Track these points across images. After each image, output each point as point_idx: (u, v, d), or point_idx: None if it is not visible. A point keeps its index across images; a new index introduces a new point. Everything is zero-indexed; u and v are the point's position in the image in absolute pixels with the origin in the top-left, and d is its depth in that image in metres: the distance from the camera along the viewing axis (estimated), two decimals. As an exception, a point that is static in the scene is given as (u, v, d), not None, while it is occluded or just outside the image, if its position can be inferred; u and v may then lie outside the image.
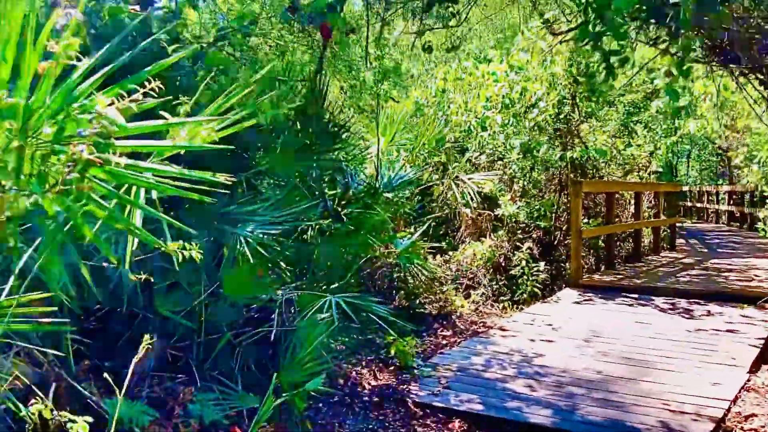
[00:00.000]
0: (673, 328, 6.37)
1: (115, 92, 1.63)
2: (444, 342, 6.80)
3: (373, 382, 5.17)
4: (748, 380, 4.92)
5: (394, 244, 7.52)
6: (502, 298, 8.71)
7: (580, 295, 8.10)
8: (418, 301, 7.83)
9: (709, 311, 7.04)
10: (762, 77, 4.54)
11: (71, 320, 3.53)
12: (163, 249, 1.76)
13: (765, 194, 12.64)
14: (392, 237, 7.32)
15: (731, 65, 4.76)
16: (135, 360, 2.02)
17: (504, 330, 6.55)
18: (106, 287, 3.69)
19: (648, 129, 11.30)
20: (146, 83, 1.68)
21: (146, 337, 2.01)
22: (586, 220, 9.38)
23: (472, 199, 9.18)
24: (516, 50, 9.40)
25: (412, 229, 8.41)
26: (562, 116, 9.27)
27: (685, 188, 26.18)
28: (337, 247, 5.55)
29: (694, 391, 4.59)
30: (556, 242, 9.50)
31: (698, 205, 26.84)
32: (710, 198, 27.17)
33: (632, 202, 11.87)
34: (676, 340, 5.94)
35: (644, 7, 3.98)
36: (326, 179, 6.14)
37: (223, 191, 3.99)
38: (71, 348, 3.68)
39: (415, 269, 7.66)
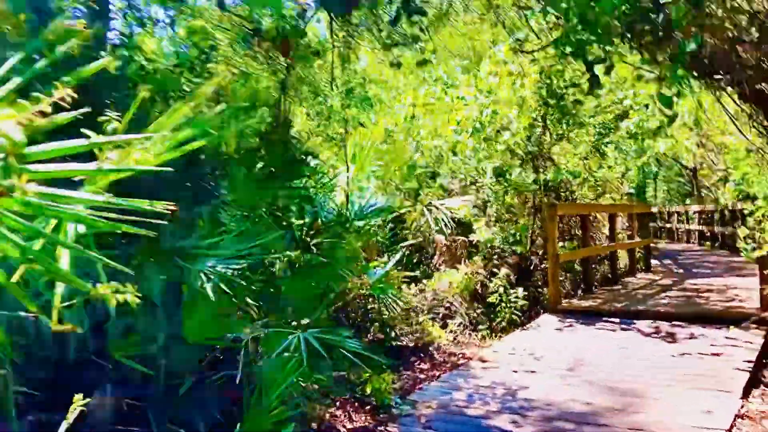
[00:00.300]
0: (659, 353, 6.16)
1: (24, 108, 1.33)
2: (422, 376, 6.50)
3: (349, 425, 4.85)
4: (742, 407, 4.71)
5: (367, 274, 7.24)
6: (480, 326, 8.45)
7: (560, 320, 7.88)
8: (393, 334, 7.54)
9: (692, 334, 6.86)
10: (741, 91, 4.43)
11: (14, 371, 3.19)
12: (90, 293, 1.46)
13: (743, 211, 12.65)
14: (365, 267, 7.04)
15: (711, 78, 4.64)
16: (65, 424, 1.71)
17: (484, 361, 6.28)
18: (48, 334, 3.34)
19: (619, 150, 11.26)
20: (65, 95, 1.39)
21: (77, 397, 1.70)
22: (561, 244, 9.22)
23: (446, 225, 8.97)
24: (485, 74, 9.29)
25: (385, 258, 8.14)
26: (533, 139, 9.15)
27: (654, 209, 26.38)
28: (307, 280, 5.25)
29: (688, 421, 4.36)
30: (532, 267, 9.30)
31: (668, 225, 27.10)
32: (680, 218, 27.44)
33: (606, 224, 11.79)
34: (662, 366, 5.73)
35: (629, 8, 3.80)
36: (294, 209, 5.86)
37: (179, 225, 3.63)
38: (14, 401, 3.32)
39: (390, 300, 7.38)
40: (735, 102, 5.00)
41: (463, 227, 9.41)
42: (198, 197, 4.91)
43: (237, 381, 4.20)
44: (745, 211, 6.21)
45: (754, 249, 6.52)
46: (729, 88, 4.59)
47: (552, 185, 9.19)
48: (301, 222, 5.77)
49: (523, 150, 9.19)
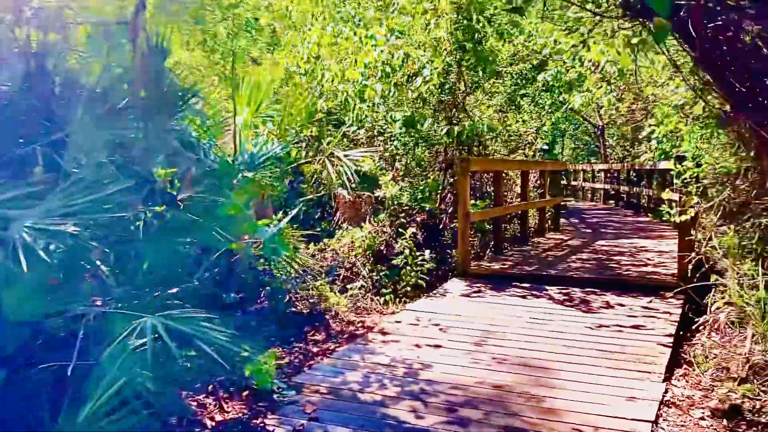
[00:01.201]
0: (573, 325, 5.71)
1: None
2: (315, 350, 5.80)
3: (219, 417, 4.08)
4: (666, 391, 4.27)
5: (257, 233, 6.37)
6: (383, 290, 7.82)
7: (468, 286, 7.35)
8: (287, 300, 6.77)
9: (608, 302, 6.48)
10: (681, 34, 3.86)
11: None
12: None
13: (656, 170, 12.56)
14: (253, 226, 6.17)
15: (646, 20, 4.01)
16: None
17: (385, 333, 5.63)
18: None
19: (535, 104, 10.76)
20: None
21: None
22: (473, 202, 8.65)
23: (349, 179, 8.18)
24: (397, 12, 8.44)
25: (280, 215, 7.30)
26: (447, 87, 8.45)
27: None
28: (173, 243, 4.36)
29: (608, 410, 3.87)
30: (441, 226, 8.72)
31: (573, 183, 27.47)
32: (586, 176, 27.91)
33: (518, 181, 11.37)
34: (578, 341, 5.27)
35: None
36: (161, 156, 4.89)
37: None
38: None
39: (283, 262, 6.58)
40: (664, 52, 4.41)
41: (369, 181, 8.68)
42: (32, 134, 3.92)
43: (69, 372, 3.33)
44: (673, 172, 5.74)
45: (679, 213, 6.13)
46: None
47: (466, 139, 8.55)
48: (169, 171, 4.81)
49: (436, 99, 8.48)
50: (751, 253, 5.41)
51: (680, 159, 6.62)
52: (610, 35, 4.80)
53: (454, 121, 8.60)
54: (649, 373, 4.53)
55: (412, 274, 7.23)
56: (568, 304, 6.50)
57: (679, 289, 6.32)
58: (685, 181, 5.77)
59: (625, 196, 21.50)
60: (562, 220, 13.89)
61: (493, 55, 8.61)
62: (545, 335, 5.44)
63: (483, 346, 5.20)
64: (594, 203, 23.72)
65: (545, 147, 11.50)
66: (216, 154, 6.34)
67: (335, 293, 7.10)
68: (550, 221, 12.50)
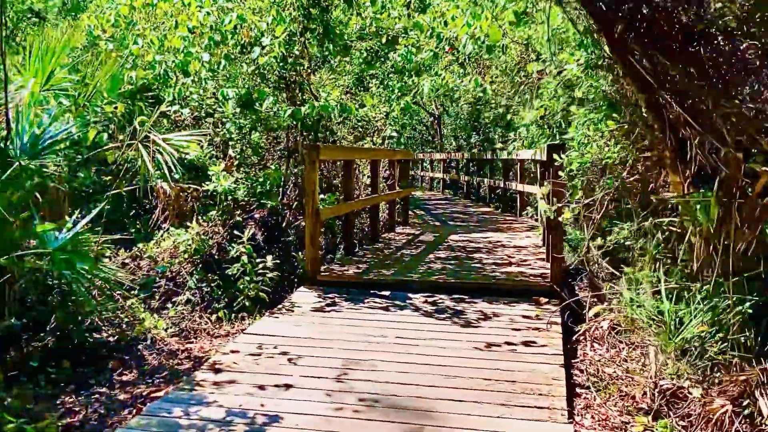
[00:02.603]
0: (450, 345, 4.83)
1: None
2: (123, 397, 4.43)
3: None
4: (578, 435, 3.45)
5: (42, 239, 4.81)
6: (216, 305, 6.51)
7: (319, 297, 6.25)
8: (86, 326, 5.26)
9: (483, 312, 5.69)
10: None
11: None
12: None
13: (543, 161, 12.14)
14: (32, 231, 4.63)
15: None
16: None
17: (218, 371, 4.38)
18: None
19: (384, 86, 9.85)
20: None
21: None
22: (322, 196, 7.55)
23: (171, 169, 6.73)
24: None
25: (77, 215, 5.72)
26: (290, 61, 7.24)
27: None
28: None
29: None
30: (285, 224, 7.53)
31: (411, 173, 27.30)
32: (423, 165, 27.91)
33: (366, 172, 10.43)
34: (460, 367, 4.39)
35: None
36: None
37: None
38: None
39: (81, 277, 5.05)
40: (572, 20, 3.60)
41: (196, 172, 7.28)
42: None
43: None
44: (558, 162, 5.01)
45: (555, 211, 5.44)
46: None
47: (312, 123, 7.40)
48: None
49: (277, 74, 7.25)
50: (644, 255, 4.81)
51: (555, 148, 5.98)
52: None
53: (298, 102, 7.42)
54: (550, 409, 3.70)
55: (252, 285, 5.99)
56: (438, 316, 5.61)
57: (548, 291, 5.66)
58: (572, 173, 5.06)
59: (464, 186, 21.55)
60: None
61: (342, 27, 7.54)
62: (420, 361, 4.49)
63: (346, 382, 4.13)
64: (433, 193, 23.61)
65: (394, 134, 10.67)
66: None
67: (152, 314, 5.69)
68: (399, 215, 11.74)
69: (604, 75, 4.57)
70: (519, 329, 5.23)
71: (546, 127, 6.37)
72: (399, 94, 9.91)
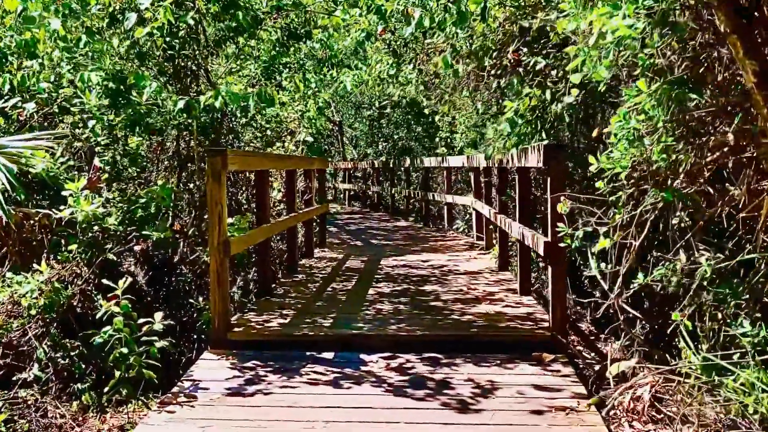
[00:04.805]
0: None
1: None
2: None
3: None
4: None
5: None
6: (79, 385, 4.54)
7: (234, 368, 4.45)
8: None
9: (476, 383, 4.09)
10: None
11: None
12: None
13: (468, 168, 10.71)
14: None
15: None
16: None
17: None
18: None
19: (300, 79, 8.05)
20: None
21: None
22: (230, 221, 5.69)
23: (8, 189, 4.74)
24: None
25: None
26: (180, 35, 5.36)
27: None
28: None
29: None
30: (178, 260, 5.60)
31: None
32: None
33: (278, 186, 8.61)
34: None
35: None
36: None
37: None
38: None
39: None
40: None
41: (47, 192, 5.23)
42: None
43: None
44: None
45: (552, 235, 3.94)
46: None
47: (211, 121, 5.53)
48: None
49: (163, 54, 5.36)
50: (733, 300, 3.36)
51: (554, 149, 4.47)
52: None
53: (192, 93, 5.55)
54: None
55: (132, 359, 4.04)
56: (414, 394, 3.93)
57: (550, 343, 4.17)
58: (613, 186, 3.55)
59: (374, 197, 20.03)
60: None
61: (249, -3, 5.76)
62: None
63: None
64: (340, 205, 21.87)
65: (309, 138, 8.90)
66: None
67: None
68: (316, 235, 9.95)
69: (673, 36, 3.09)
70: (540, 411, 3.63)
71: (525, 123, 4.84)
72: (316, 89, 8.17)
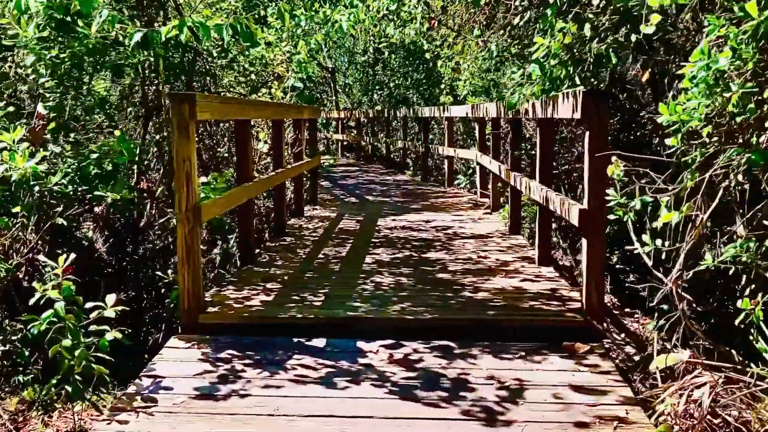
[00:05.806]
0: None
1: None
2: None
3: None
4: None
5: None
6: (21, 377, 3.84)
7: (205, 360, 3.73)
8: None
9: (499, 381, 3.39)
10: None
11: None
12: None
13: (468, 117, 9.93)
14: None
15: None
16: None
17: None
18: None
19: (291, 16, 7.13)
20: None
21: None
22: (203, 179, 4.89)
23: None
24: None
25: None
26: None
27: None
28: None
29: None
30: (144, 225, 4.82)
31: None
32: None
33: (263, 137, 7.76)
34: None
35: None
36: None
37: None
38: None
39: None
40: None
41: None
42: None
43: None
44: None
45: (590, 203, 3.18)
46: None
47: (180, 61, 4.68)
48: None
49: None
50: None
51: (597, 96, 3.66)
52: None
53: (158, 21, 4.68)
54: None
55: (78, 352, 3.30)
56: (426, 397, 3.21)
57: (584, 330, 3.49)
58: (688, 144, 2.77)
59: (368, 148, 19.21)
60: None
61: None
62: None
63: None
64: (333, 157, 20.99)
65: (299, 84, 8.03)
66: None
67: None
68: (307, 192, 9.16)
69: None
70: (584, 424, 2.93)
71: (560, 65, 4.01)
72: (307, 28, 7.27)
